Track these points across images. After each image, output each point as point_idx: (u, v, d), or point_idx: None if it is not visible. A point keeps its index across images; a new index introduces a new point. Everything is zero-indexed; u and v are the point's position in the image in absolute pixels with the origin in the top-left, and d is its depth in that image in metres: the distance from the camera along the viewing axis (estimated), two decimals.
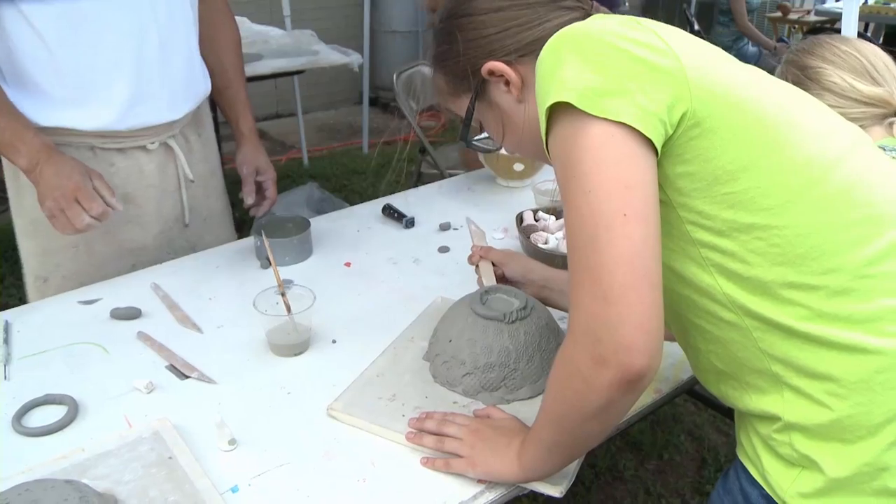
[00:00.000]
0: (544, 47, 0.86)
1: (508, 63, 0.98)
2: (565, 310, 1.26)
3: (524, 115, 1.01)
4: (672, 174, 0.83)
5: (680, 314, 0.92)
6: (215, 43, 1.71)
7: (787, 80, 1.34)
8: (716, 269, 0.84)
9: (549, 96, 0.81)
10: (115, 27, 1.42)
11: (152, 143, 1.56)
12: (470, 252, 1.39)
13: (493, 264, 1.36)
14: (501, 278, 1.35)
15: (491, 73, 0.99)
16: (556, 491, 1.00)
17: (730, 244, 0.83)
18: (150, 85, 1.50)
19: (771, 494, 0.88)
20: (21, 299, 1.66)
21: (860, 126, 1.25)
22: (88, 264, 1.56)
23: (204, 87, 1.67)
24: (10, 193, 1.54)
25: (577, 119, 0.79)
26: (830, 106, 1.24)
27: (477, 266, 1.37)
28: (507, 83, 1.00)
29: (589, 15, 0.98)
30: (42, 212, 1.37)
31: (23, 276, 1.61)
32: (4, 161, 1.46)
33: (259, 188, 1.71)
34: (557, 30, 0.87)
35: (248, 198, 1.68)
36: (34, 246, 1.55)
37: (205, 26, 1.66)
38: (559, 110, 0.81)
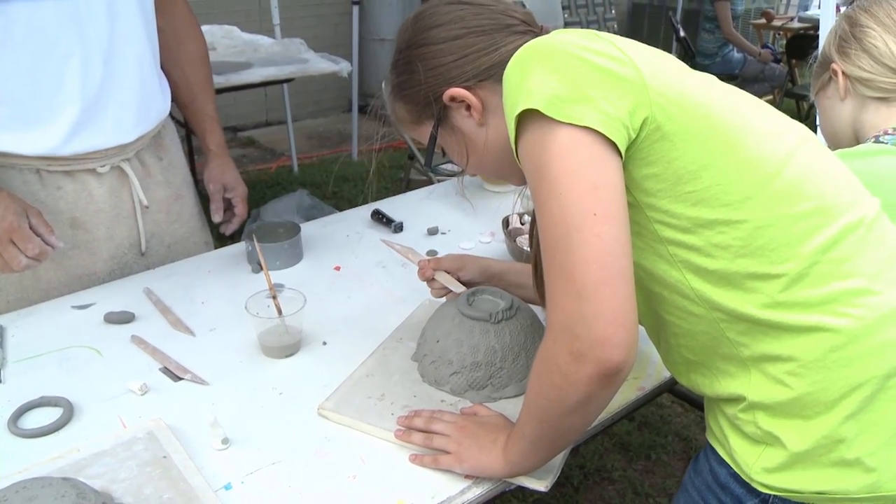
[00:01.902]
0: (510, 61, 0.90)
1: (469, 88, 1.01)
2: (524, 298, 1.29)
3: (486, 138, 1.05)
4: (638, 176, 0.87)
5: (652, 311, 0.97)
6: (179, 56, 1.67)
7: (835, 34, 1.34)
8: (683, 264, 0.88)
9: (516, 105, 0.85)
10: (55, 51, 1.36)
11: (102, 166, 1.50)
12: (418, 269, 1.36)
13: (448, 272, 1.36)
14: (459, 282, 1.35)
15: (452, 99, 1.02)
16: (541, 485, 1.02)
17: (695, 240, 0.87)
18: (95, 109, 1.44)
19: (738, 472, 0.93)
20: None
21: (884, 97, 1.27)
22: (34, 290, 1.51)
23: (161, 107, 1.62)
24: None
25: (544, 125, 0.83)
26: (864, 70, 1.28)
27: (431, 280, 1.35)
28: (469, 108, 1.03)
29: (538, 36, 1.01)
30: None
31: None
32: None
33: (228, 205, 1.69)
34: (513, 53, 0.92)
35: (216, 215, 1.66)
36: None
37: (167, 38, 1.63)
38: (527, 118, 0.85)
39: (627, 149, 0.85)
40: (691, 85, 0.90)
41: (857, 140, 1.34)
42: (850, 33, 1.31)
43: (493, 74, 1.00)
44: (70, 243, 1.51)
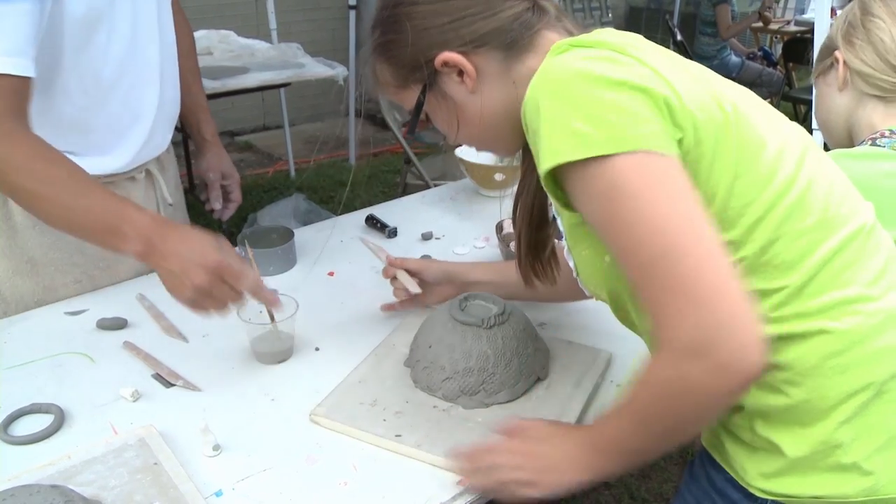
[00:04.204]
0: (534, 94, 0.86)
1: (464, 54, 0.96)
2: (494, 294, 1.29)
3: (479, 107, 0.99)
4: None
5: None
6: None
7: (845, 18, 1.27)
8: None
9: (561, 153, 0.81)
10: (123, 82, 1.42)
11: (140, 173, 1.58)
12: (383, 268, 1.42)
13: (412, 273, 1.38)
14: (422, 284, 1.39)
15: (445, 64, 0.97)
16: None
17: None
18: (154, 128, 1.53)
19: (735, 477, 0.93)
20: None
21: (883, 96, 1.23)
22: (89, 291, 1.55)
23: (178, 108, 1.67)
24: None
25: (601, 162, 0.80)
26: (865, 64, 1.23)
27: (393, 279, 1.40)
28: (461, 74, 0.98)
29: (537, 5, 0.98)
30: (180, 299, 1.18)
31: None
32: None
33: (224, 191, 1.73)
34: (512, 20, 0.90)
35: (217, 203, 1.70)
36: (32, 285, 1.50)
37: None
38: (576, 164, 0.81)
39: None
40: (711, 99, 0.86)
41: (849, 135, 1.30)
42: (859, 20, 1.25)
43: (489, 41, 0.96)
44: None
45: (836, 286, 0.85)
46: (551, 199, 0.96)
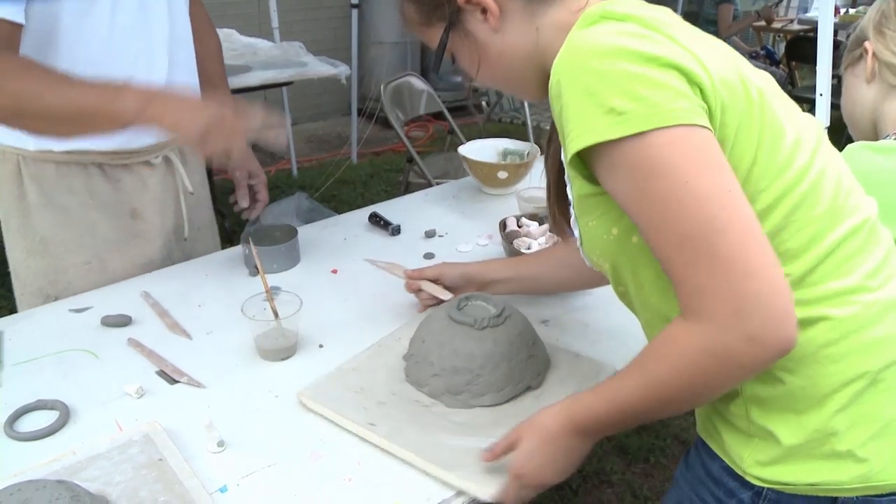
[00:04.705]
0: (564, 68, 0.84)
1: None
2: (507, 292, 1.32)
3: (500, 46, 0.98)
4: None
5: (664, 307, 0.94)
6: (199, 52, 1.73)
7: (878, 9, 1.25)
8: None
9: (598, 132, 0.80)
10: (127, 55, 1.44)
11: (156, 157, 1.59)
12: (405, 284, 1.45)
13: (433, 281, 1.41)
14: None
15: (468, 1, 0.96)
16: (486, 494, 1.00)
17: None
18: None
19: (731, 465, 0.93)
20: None
21: (893, 87, 1.23)
22: (101, 281, 1.57)
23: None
24: (10, 216, 1.52)
25: (638, 139, 0.79)
26: (883, 53, 1.22)
27: (419, 291, 1.43)
28: (484, 12, 0.97)
29: None
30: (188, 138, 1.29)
31: (15, 297, 1.59)
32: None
33: (251, 191, 1.74)
34: None
35: (243, 201, 1.71)
36: (45, 265, 1.53)
37: None
38: (611, 142, 0.80)
39: None
40: (737, 83, 0.85)
41: (874, 128, 1.29)
42: (893, 10, 1.23)
43: None
44: (132, 233, 1.60)
45: (838, 276, 0.86)
46: (567, 169, 0.96)
